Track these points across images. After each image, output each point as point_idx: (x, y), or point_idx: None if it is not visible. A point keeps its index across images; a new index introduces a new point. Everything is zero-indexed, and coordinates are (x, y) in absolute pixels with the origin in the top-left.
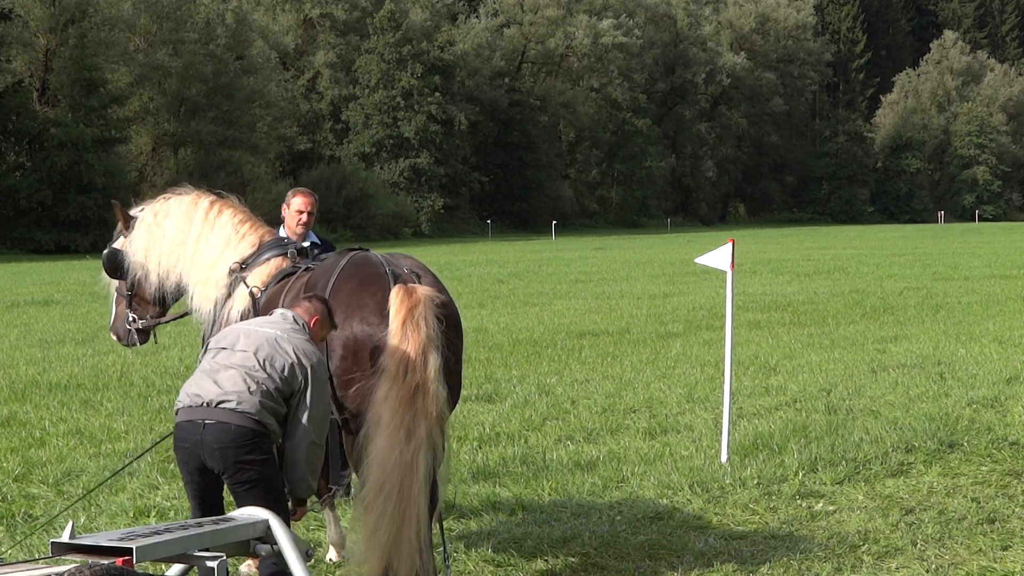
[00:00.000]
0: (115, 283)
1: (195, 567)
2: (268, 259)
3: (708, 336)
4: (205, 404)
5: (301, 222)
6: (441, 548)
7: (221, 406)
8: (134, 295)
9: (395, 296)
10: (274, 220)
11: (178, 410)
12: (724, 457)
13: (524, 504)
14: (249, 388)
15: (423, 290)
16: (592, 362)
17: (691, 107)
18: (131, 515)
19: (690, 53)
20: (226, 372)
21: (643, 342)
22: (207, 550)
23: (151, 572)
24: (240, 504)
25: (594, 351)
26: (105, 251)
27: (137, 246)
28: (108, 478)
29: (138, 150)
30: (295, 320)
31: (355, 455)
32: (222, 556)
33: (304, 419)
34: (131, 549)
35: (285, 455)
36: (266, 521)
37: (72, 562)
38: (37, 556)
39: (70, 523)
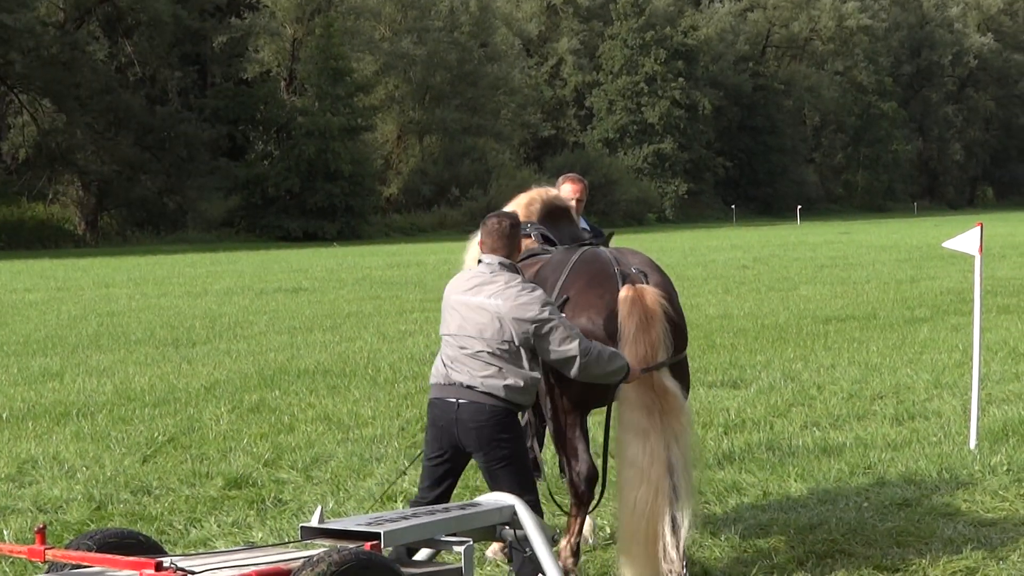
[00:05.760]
0: None
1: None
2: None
3: (956, 321)
4: (456, 384)
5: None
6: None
7: (472, 388)
8: None
9: (624, 297)
10: None
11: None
12: (973, 443)
13: (770, 490)
14: (490, 372)
15: (651, 290)
16: (838, 347)
17: (937, 90)
18: (379, 500)
19: (936, 35)
20: (469, 361)
21: (890, 327)
22: (453, 535)
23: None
24: (493, 483)
25: (840, 336)
26: None
27: None
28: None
29: (384, 138)
30: (498, 266)
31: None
32: (469, 541)
33: (553, 351)
34: (379, 534)
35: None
36: (512, 506)
37: (321, 546)
38: (287, 540)
39: (319, 508)
